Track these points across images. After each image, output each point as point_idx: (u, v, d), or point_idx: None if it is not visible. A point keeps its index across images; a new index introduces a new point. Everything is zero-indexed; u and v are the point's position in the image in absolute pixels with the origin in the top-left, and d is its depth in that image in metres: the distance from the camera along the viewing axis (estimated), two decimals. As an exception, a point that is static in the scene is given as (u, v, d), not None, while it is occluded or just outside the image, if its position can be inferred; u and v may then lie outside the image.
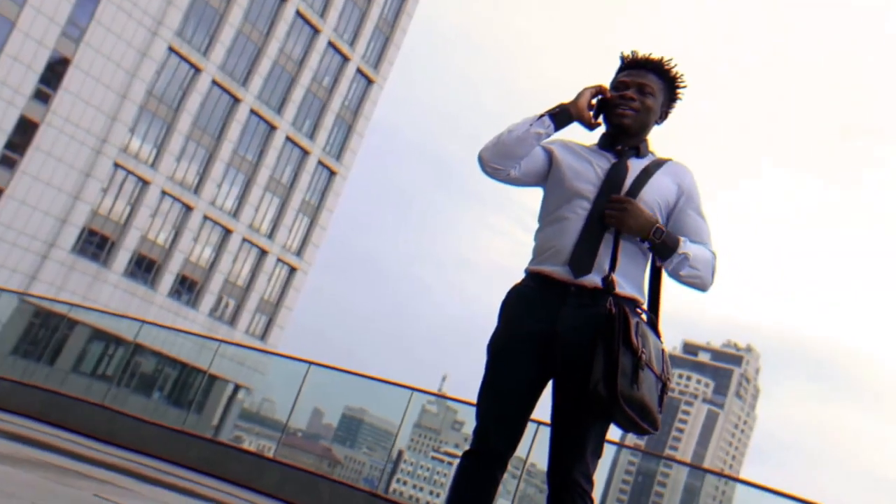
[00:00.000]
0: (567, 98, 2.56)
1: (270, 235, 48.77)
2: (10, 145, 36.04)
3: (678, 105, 2.69)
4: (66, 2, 36.21)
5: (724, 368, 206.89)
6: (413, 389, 9.94)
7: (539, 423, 7.04)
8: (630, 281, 2.47)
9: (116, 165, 40.74)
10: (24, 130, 36.33)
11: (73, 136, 38.37)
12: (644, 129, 2.59)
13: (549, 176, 2.59)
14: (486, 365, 2.58)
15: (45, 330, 22.60)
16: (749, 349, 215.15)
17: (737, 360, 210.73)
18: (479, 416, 2.52)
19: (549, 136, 2.54)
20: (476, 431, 2.51)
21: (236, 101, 45.29)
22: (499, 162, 2.54)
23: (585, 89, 2.52)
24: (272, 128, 47.42)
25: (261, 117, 46.74)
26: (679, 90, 2.63)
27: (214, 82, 44.06)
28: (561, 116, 2.51)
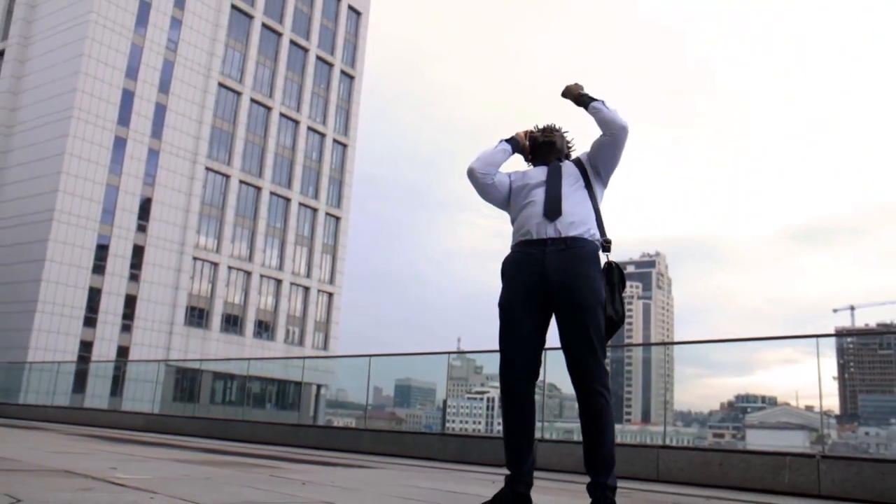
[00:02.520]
0: (507, 131, 3.46)
1: (308, 275, 56.88)
2: (132, 265, 46.52)
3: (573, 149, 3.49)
4: (140, 161, 47.07)
5: (645, 272, 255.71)
6: (447, 353, 10.86)
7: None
8: (584, 221, 3.04)
9: (194, 258, 50.00)
10: (136, 253, 46.81)
11: (164, 247, 48.14)
12: (557, 152, 3.39)
13: (510, 192, 3.26)
14: (499, 319, 2.99)
15: (185, 380, 27.92)
16: (657, 253, 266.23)
17: (651, 263, 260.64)
18: (503, 359, 2.91)
19: (510, 154, 3.34)
20: (503, 371, 2.92)
21: (258, 189, 54.15)
22: (484, 169, 3.26)
23: (520, 132, 3.41)
24: (287, 200, 56.00)
25: (278, 195, 55.40)
26: (570, 145, 3.48)
27: (241, 181, 53.17)
28: (512, 142, 3.36)
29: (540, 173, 3.22)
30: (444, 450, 8.20)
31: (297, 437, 10.46)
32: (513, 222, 3.19)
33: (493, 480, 5.15)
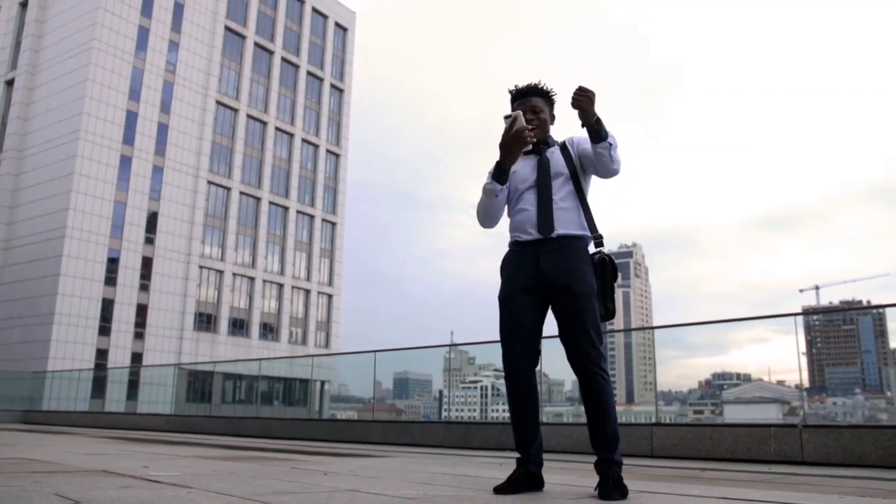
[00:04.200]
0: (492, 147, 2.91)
1: (308, 278, 56.77)
2: (141, 276, 46.49)
3: (557, 104, 3.07)
4: (145, 177, 46.95)
5: (623, 262, 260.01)
6: (445, 346, 10.61)
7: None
8: (574, 221, 2.95)
9: (200, 267, 49.94)
10: (146, 264, 46.72)
11: (171, 258, 48.02)
12: (546, 133, 3.04)
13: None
14: (500, 311, 2.95)
15: (197, 382, 27.31)
16: (634, 244, 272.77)
17: (629, 254, 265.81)
18: (506, 348, 2.89)
19: (500, 190, 2.94)
20: (507, 358, 2.89)
21: (258, 199, 54.04)
22: (487, 224, 3.06)
23: (514, 143, 2.81)
24: (285, 208, 55.91)
25: (277, 205, 55.35)
26: (554, 98, 3.07)
27: (241, 193, 53.06)
28: (498, 172, 2.91)
29: (529, 172, 3.02)
30: (449, 437, 8.21)
31: (308, 431, 10.43)
32: (510, 217, 3.10)
33: (500, 463, 5.16)
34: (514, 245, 3.00)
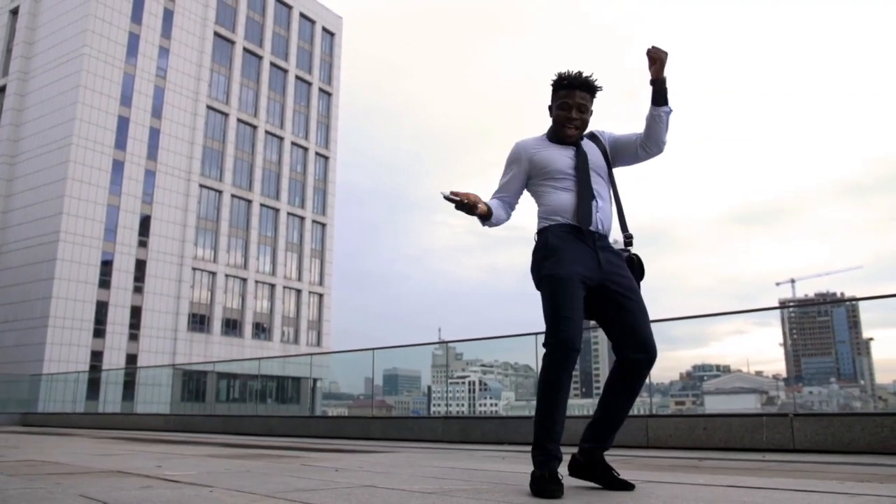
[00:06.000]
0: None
1: (299, 279, 56.59)
2: (135, 279, 46.13)
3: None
4: (138, 181, 46.60)
5: None
6: (441, 343, 10.73)
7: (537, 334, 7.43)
8: (611, 221, 2.83)
9: (193, 269, 49.68)
10: (139, 267, 46.43)
11: (164, 260, 47.75)
12: (585, 130, 2.86)
13: (529, 175, 2.86)
14: (555, 287, 2.67)
15: (191, 382, 26.44)
16: (615, 241, 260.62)
17: None
18: (561, 322, 2.60)
19: (488, 223, 2.81)
20: (563, 329, 2.59)
21: (249, 202, 53.79)
22: (503, 219, 2.90)
23: (473, 212, 2.66)
24: (276, 210, 55.70)
25: (268, 207, 55.13)
26: (598, 92, 2.84)
27: (232, 195, 52.80)
28: (482, 220, 2.77)
29: (566, 161, 2.81)
30: (449, 432, 8.19)
31: (307, 428, 10.33)
32: (536, 194, 2.86)
33: (502, 457, 5.16)
34: (564, 228, 2.75)
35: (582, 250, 2.73)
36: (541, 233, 2.81)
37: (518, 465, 4.31)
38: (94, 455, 5.09)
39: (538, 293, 2.76)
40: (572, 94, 2.80)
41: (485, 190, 2.96)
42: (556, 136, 2.86)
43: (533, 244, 2.86)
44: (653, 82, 2.78)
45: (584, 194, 2.77)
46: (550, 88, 2.87)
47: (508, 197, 2.92)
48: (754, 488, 2.81)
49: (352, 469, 3.89)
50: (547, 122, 2.93)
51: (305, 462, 4.47)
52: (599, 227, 2.79)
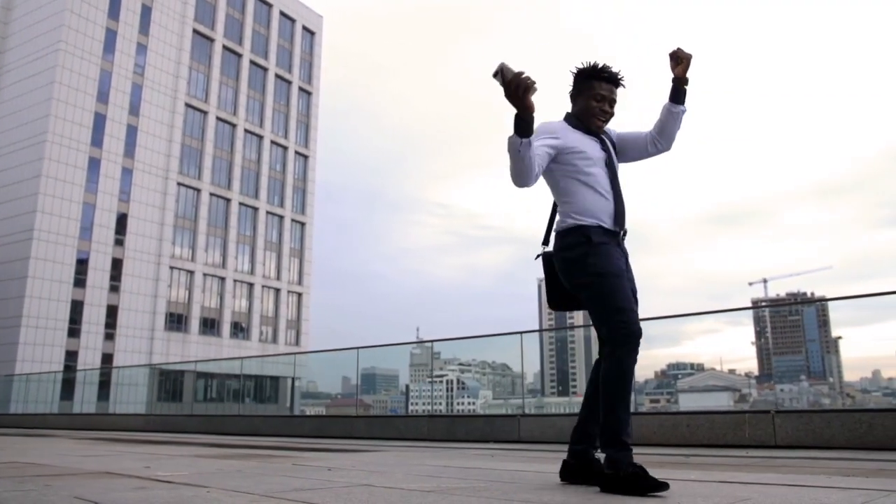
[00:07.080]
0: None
1: (278, 278, 56.35)
2: (111, 277, 45.48)
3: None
4: (115, 179, 45.91)
5: None
6: (412, 343, 10.85)
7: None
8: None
9: (171, 268, 49.27)
10: (115, 265, 45.80)
11: (141, 259, 47.24)
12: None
13: (558, 154, 2.72)
14: (614, 282, 2.66)
15: (167, 382, 26.74)
16: None
17: None
18: (627, 314, 2.62)
19: (528, 144, 2.44)
20: (632, 321, 2.60)
21: (228, 200, 53.40)
22: (522, 182, 2.56)
23: (517, 92, 2.33)
24: (255, 209, 55.40)
25: (246, 205, 54.80)
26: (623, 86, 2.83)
27: (211, 194, 52.35)
28: (520, 126, 2.39)
29: (596, 151, 2.79)
30: (434, 430, 8.18)
31: (292, 427, 10.24)
32: (561, 184, 2.78)
33: (491, 455, 5.16)
34: (602, 229, 2.74)
35: (616, 249, 2.76)
36: (577, 230, 2.72)
37: (509, 462, 4.30)
38: (78, 456, 5.00)
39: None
40: (611, 88, 2.82)
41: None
42: (584, 124, 2.82)
43: (534, 243, 2.86)
44: (676, 80, 2.85)
45: (619, 194, 2.80)
46: (576, 75, 2.84)
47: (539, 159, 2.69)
48: (747, 483, 2.83)
49: (345, 468, 3.85)
50: (541, 117, 2.73)
51: (297, 462, 4.41)
52: (624, 227, 2.82)
